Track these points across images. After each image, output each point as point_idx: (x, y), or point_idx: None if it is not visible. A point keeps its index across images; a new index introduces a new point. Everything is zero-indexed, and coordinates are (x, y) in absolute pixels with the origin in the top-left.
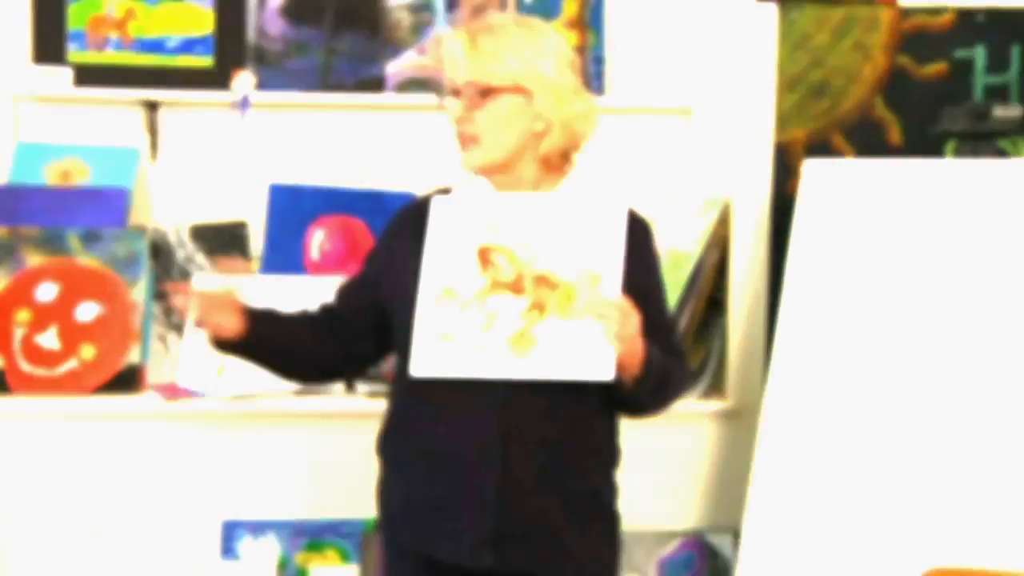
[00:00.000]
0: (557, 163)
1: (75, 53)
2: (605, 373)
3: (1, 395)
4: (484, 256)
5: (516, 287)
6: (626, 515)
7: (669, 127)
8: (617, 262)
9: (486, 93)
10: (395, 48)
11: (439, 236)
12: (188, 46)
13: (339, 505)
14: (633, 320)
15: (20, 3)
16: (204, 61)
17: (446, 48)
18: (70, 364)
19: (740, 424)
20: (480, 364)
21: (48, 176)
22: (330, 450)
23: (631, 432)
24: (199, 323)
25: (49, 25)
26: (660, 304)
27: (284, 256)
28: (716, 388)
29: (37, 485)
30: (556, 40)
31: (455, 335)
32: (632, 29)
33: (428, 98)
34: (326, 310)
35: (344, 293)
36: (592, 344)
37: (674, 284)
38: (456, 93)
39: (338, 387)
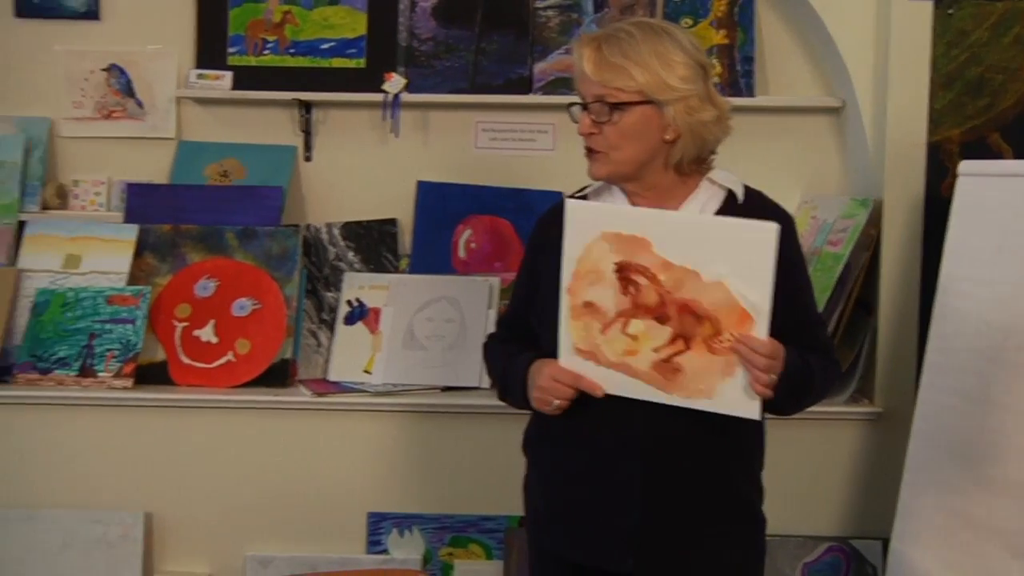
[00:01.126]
0: (689, 169)
1: (234, 57)
2: (751, 412)
3: (163, 386)
4: (623, 274)
5: (660, 313)
6: (771, 519)
7: (819, 126)
8: (767, 301)
9: (614, 107)
10: (543, 48)
11: (574, 247)
12: (341, 48)
13: (484, 501)
14: (780, 362)
15: (186, 12)
16: (356, 62)
17: (575, 59)
18: (226, 358)
19: (889, 429)
20: (624, 385)
21: (208, 175)
22: (477, 446)
23: (777, 435)
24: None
25: (212, 31)
26: (806, 299)
27: (432, 254)
28: (864, 392)
29: (192, 469)
30: (686, 45)
31: (597, 354)
32: (782, 27)
33: (573, 98)
34: (509, 342)
35: (510, 326)
36: (738, 382)
37: (822, 285)
38: (584, 104)
39: (486, 383)
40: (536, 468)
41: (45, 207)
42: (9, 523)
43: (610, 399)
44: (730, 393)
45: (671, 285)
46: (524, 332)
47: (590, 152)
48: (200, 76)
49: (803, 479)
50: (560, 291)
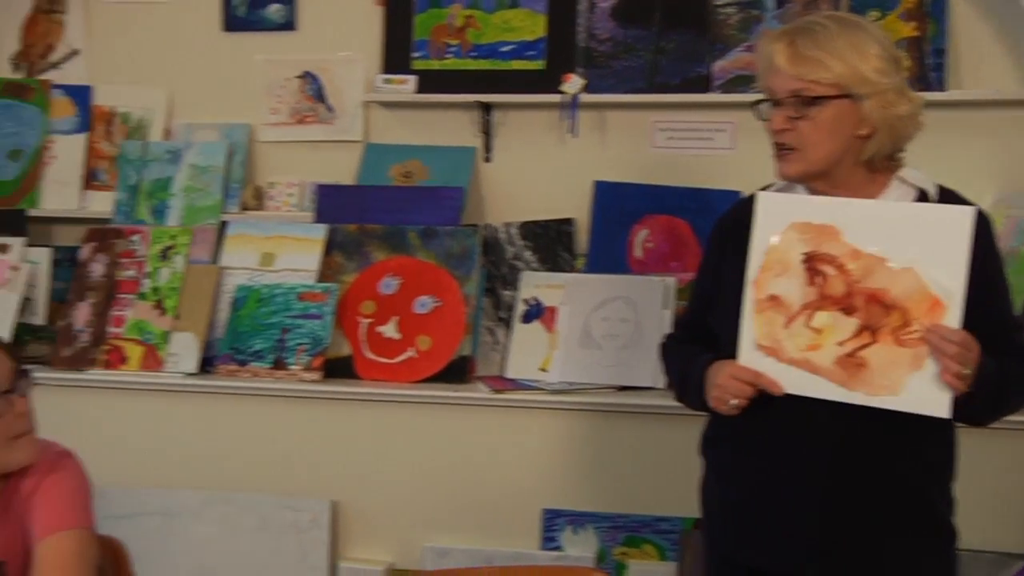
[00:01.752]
0: (880, 166)
1: (418, 61)
2: (940, 409)
3: (349, 379)
4: (811, 264)
5: (846, 304)
6: (964, 532)
7: (1017, 120)
8: (961, 287)
9: (810, 102)
10: (722, 46)
11: (763, 239)
12: (521, 50)
13: (659, 501)
14: (974, 355)
15: (374, 20)
16: (536, 64)
17: (763, 54)
18: (408, 353)
19: None
20: (805, 383)
21: (392, 176)
22: (652, 446)
23: (971, 445)
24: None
25: (398, 37)
26: (1003, 300)
27: (608, 253)
28: None
29: (375, 461)
30: (880, 37)
31: (778, 349)
32: (977, 17)
33: (754, 95)
34: (687, 343)
35: (688, 326)
36: (927, 376)
37: (1021, 287)
38: (775, 101)
39: (661, 383)
40: (713, 470)
41: (244, 208)
42: (211, 504)
43: (791, 399)
44: (918, 389)
45: (859, 274)
46: (702, 333)
47: (781, 150)
48: (386, 81)
49: (998, 492)
50: (744, 286)
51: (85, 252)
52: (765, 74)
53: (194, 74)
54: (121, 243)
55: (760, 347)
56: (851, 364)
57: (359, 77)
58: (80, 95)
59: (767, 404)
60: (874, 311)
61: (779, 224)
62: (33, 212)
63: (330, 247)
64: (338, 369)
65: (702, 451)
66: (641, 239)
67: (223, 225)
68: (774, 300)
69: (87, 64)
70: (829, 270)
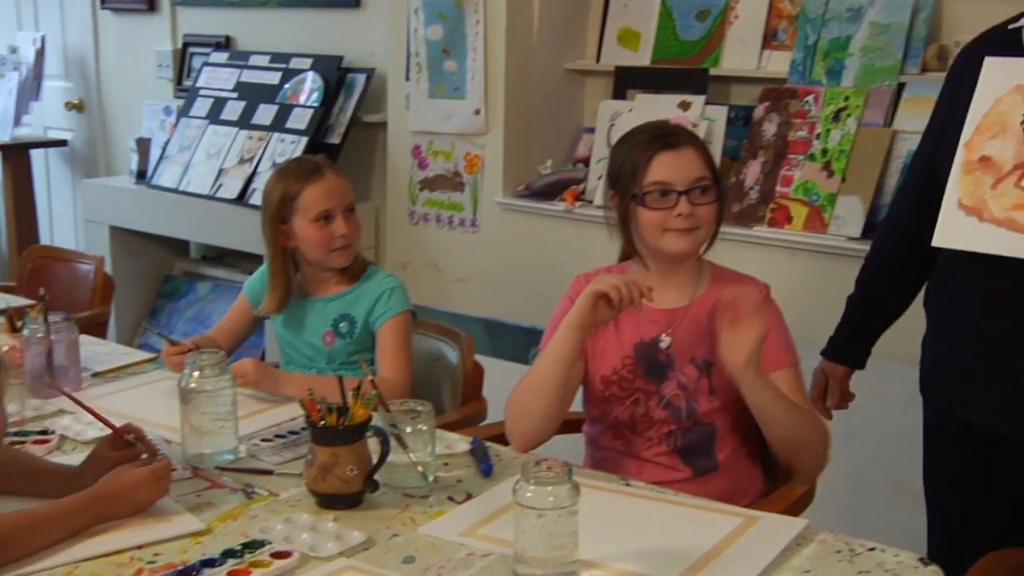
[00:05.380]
0: None
1: None
2: None
3: None
4: None
5: None
6: None
7: None
8: None
9: None
10: None
11: (983, 101)
12: None
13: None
14: None
15: None
16: None
17: None
18: None
19: None
20: (1005, 242)
21: None
22: None
23: None
24: None
25: None
26: None
27: None
28: None
29: None
30: None
31: (981, 209)
32: None
33: None
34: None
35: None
36: None
37: None
38: None
39: None
40: (929, 324)
41: (924, 69)
42: None
43: (993, 259)
44: None
45: None
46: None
47: None
48: None
49: None
50: (957, 145)
51: (759, 111)
52: None
53: None
54: (794, 103)
55: (962, 206)
56: None
57: None
58: None
59: (975, 266)
60: None
61: (1002, 86)
62: (714, 71)
63: None
64: None
65: (925, 303)
66: None
67: (900, 87)
68: (984, 161)
69: None
70: None
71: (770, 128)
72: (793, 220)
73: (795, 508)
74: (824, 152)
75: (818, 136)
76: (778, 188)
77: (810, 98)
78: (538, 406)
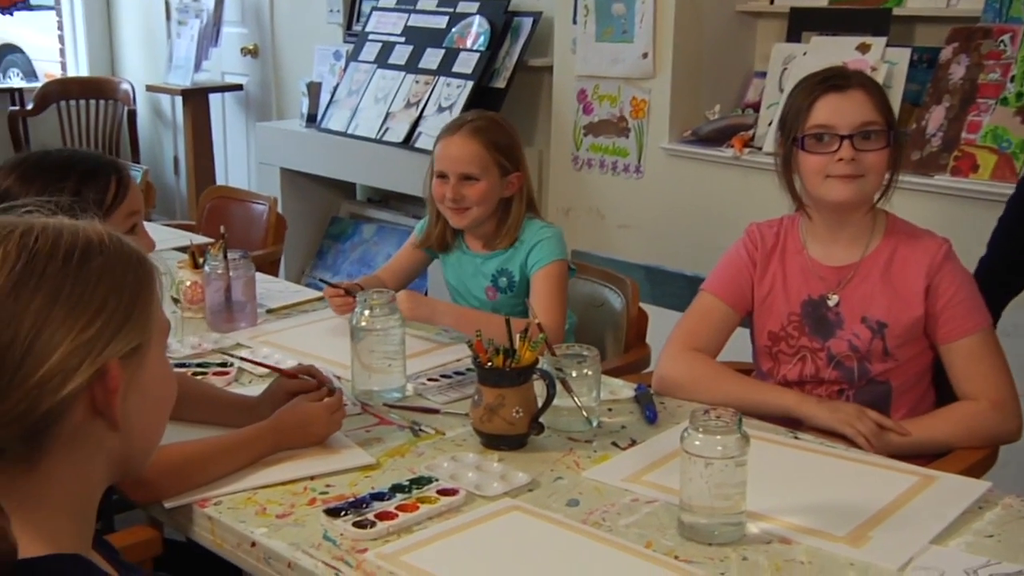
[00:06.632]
0: None
1: None
2: None
3: None
4: None
5: None
6: None
7: None
8: None
9: None
10: None
11: None
12: None
13: None
14: None
15: None
16: None
17: None
18: None
19: None
20: None
21: None
22: None
23: None
24: None
25: None
26: None
27: None
28: None
29: None
30: None
31: None
32: None
33: None
34: None
35: None
36: None
37: None
38: None
39: None
40: None
41: None
42: None
43: None
44: None
45: None
46: None
47: None
48: None
49: None
50: None
51: (946, 53)
52: None
53: None
54: (987, 43)
55: None
56: None
57: None
58: None
59: None
60: None
61: None
62: (897, 11)
63: None
64: None
65: None
66: None
67: None
68: None
69: None
70: None
71: (958, 71)
72: (980, 169)
73: (975, 470)
74: (1019, 96)
75: (1012, 79)
76: (963, 135)
77: (1006, 37)
78: None
